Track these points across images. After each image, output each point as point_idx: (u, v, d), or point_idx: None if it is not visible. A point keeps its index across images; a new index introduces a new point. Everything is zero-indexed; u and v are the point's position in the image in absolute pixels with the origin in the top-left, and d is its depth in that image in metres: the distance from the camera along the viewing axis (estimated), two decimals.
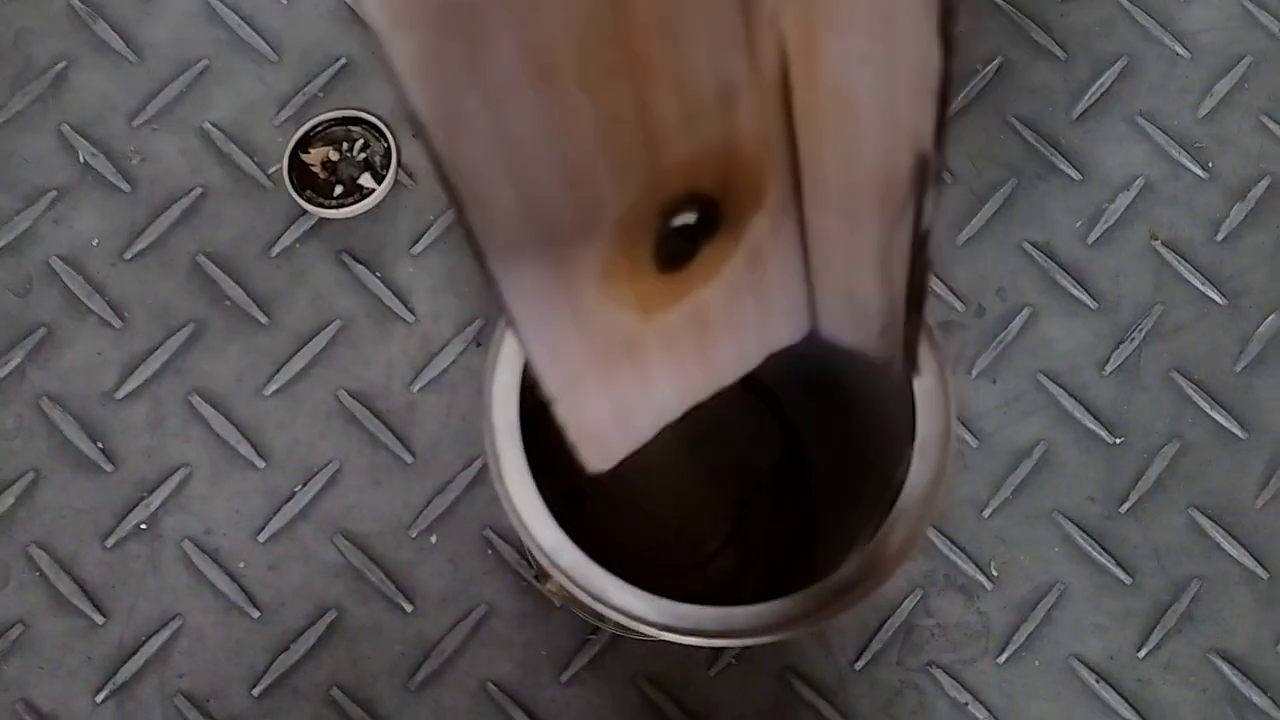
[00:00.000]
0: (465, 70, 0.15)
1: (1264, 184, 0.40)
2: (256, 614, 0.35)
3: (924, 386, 0.24)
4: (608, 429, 0.23)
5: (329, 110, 0.39)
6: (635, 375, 0.22)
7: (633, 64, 0.17)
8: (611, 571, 0.22)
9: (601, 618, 0.34)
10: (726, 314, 0.23)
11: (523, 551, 0.36)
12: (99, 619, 0.35)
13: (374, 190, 0.38)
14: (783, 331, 0.25)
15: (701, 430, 0.37)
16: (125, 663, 0.34)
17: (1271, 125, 0.41)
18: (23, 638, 0.34)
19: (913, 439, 0.24)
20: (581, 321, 0.20)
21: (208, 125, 0.38)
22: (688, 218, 0.19)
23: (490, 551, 0.36)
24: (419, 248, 0.38)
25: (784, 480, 0.37)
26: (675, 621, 0.22)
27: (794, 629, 0.22)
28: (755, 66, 0.18)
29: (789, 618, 0.22)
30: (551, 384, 0.21)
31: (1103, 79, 0.41)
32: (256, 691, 0.34)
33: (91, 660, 0.34)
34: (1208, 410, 0.38)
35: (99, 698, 0.34)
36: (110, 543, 0.35)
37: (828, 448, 0.34)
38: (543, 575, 0.34)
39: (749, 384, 0.37)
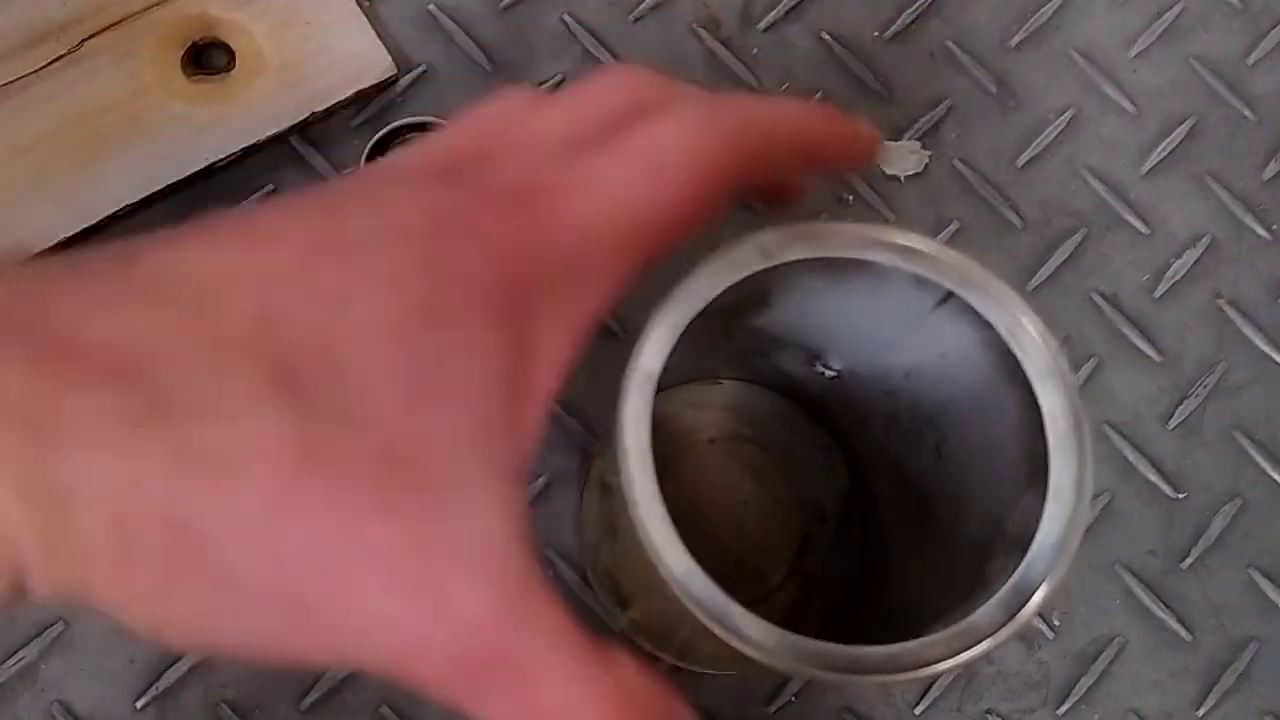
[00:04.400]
0: None
1: None
2: None
3: (1058, 429, 0.24)
4: None
5: (406, 116, 0.38)
6: None
7: None
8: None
9: (681, 655, 0.33)
10: None
11: (585, 576, 0.35)
12: None
13: None
14: None
15: (767, 460, 0.36)
16: (169, 669, 0.33)
17: None
18: (63, 636, 0.33)
19: (1033, 483, 0.24)
20: None
21: None
22: None
23: (550, 574, 0.35)
24: None
25: (848, 515, 0.36)
26: (807, 659, 0.22)
27: (934, 668, 0.22)
28: None
29: (930, 658, 0.22)
30: None
31: (1171, 136, 0.41)
32: (304, 705, 0.33)
33: (134, 663, 0.33)
34: (1268, 470, 0.38)
35: (139, 703, 0.33)
36: None
37: (901, 485, 0.33)
38: (624, 603, 0.33)
39: (821, 417, 0.37)
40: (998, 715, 0.36)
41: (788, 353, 0.33)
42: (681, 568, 0.22)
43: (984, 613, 0.22)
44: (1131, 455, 0.38)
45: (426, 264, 0.17)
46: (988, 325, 0.24)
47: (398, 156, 0.20)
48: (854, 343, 0.30)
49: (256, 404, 0.15)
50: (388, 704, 0.33)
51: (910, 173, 0.40)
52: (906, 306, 0.26)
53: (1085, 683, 0.36)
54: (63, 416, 0.15)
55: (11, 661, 0.33)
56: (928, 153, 0.40)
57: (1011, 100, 0.41)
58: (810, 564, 0.36)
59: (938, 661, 0.22)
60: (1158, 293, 0.40)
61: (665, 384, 0.36)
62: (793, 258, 0.24)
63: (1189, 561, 0.37)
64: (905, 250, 0.24)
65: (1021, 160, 0.40)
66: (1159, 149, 0.41)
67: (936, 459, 0.30)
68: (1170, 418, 0.38)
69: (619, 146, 0.19)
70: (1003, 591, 0.22)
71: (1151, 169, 0.41)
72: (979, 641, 0.22)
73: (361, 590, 0.16)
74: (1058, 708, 0.36)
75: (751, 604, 0.36)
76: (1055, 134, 0.41)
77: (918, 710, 0.35)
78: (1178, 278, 0.40)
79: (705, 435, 0.36)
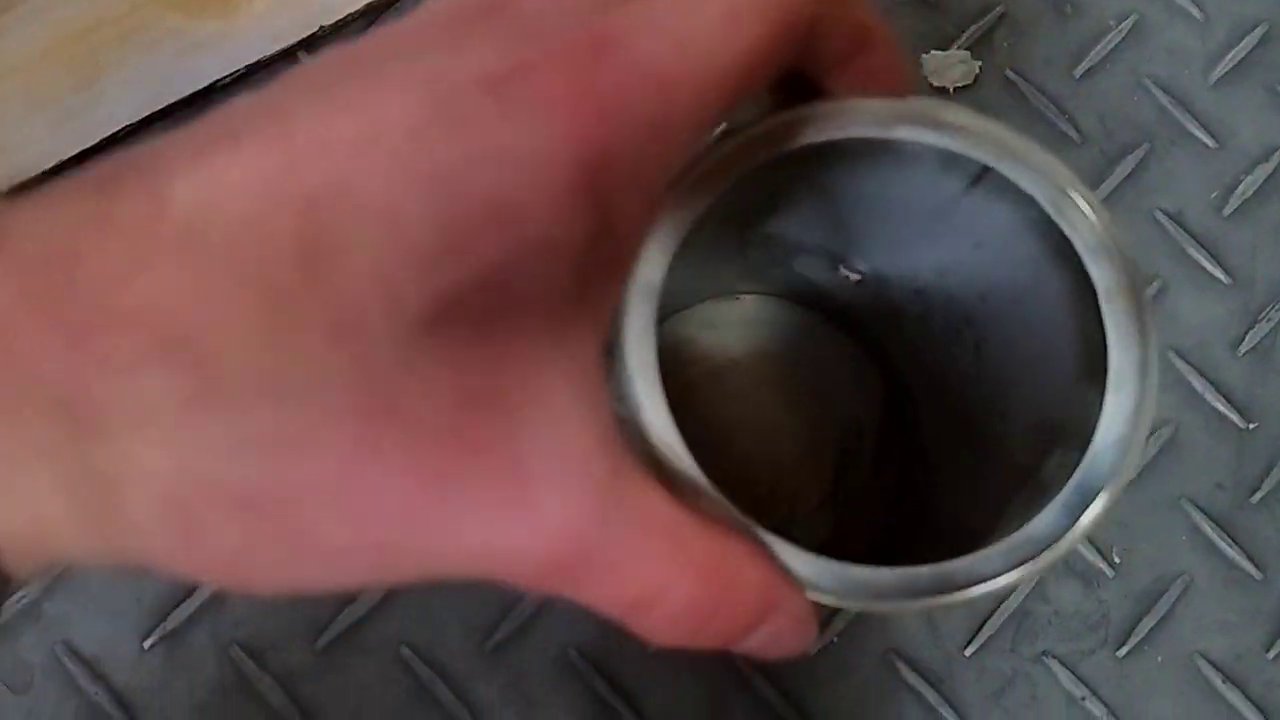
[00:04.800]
0: None
1: None
2: None
3: (1116, 310, 0.21)
4: None
5: None
6: None
7: None
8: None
9: None
10: None
11: None
12: None
13: None
14: None
15: (798, 378, 0.34)
16: (177, 607, 0.31)
17: None
18: (66, 574, 0.32)
19: (1090, 374, 0.22)
20: None
21: None
22: None
23: None
24: None
25: (887, 429, 0.34)
26: (848, 587, 0.19)
27: (992, 584, 0.19)
28: None
29: (986, 573, 0.19)
30: None
31: (1242, 42, 0.38)
32: (319, 645, 0.32)
33: (141, 602, 0.31)
34: None
35: (147, 643, 0.31)
36: None
37: (942, 392, 0.31)
38: None
39: (850, 326, 0.34)
40: (1054, 657, 0.33)
41: (808, 259, 0.30)
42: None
43: (1044, 520, 0.20)
44: (1198, 383, 0.35)
45: (487, 154, 0.14)
46: (1030, 202, 0.21)
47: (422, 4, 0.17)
48: (879, 240, 0.27)
49: (314, 367, 0.14)
50: (407, 644, 0.32)
51: (959, 84, 0.37)
52: (935, 191, 0.23)
53: (1147, 623, 0.34)
54: (106, 401, 0.14)
55: (13, 600, 0.31)
56: (978, 63, 0.37)
57: (1068, 5, 0.38)
58: (850, 484, 0.34)
59: (995, 577, 0.19)
60: (1226, 211, 0.37)
61: (679, 305, 0.34)
62: (807, 142, 0.21)
63: (1259, 495, 0.35)
64: (934, 123, 0.21)
65: (1079, 70, 0.37)
66: (1228, 57, 0.38)
67: (977, 359, 0.28)
68: (1240, 343, 0.36)
69: None
70: (1064, 494, 0.20)
71: (1220, 79, 0.38)
72: (1040, 552, 0.20)
73: (449, 526, 0.15)
74: (1118, 649, 0.34)
75: (788, 530, 0.34)
76: (1116, 41, 0.38)
77: (968, 652, 0.33)
78: (1248, 194, 0.37)
79: (727, 356, 0.34)
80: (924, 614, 0.33)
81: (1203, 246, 0.37)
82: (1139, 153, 0.37)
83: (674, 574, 0.17)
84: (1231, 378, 0.36)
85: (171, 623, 0.31)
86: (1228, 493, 0.35)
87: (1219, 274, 0.36)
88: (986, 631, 0.33)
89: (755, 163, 0.21)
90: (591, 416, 0.16)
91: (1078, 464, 0.20)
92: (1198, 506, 0.35)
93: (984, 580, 0.19)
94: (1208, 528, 0.34)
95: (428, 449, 0.15)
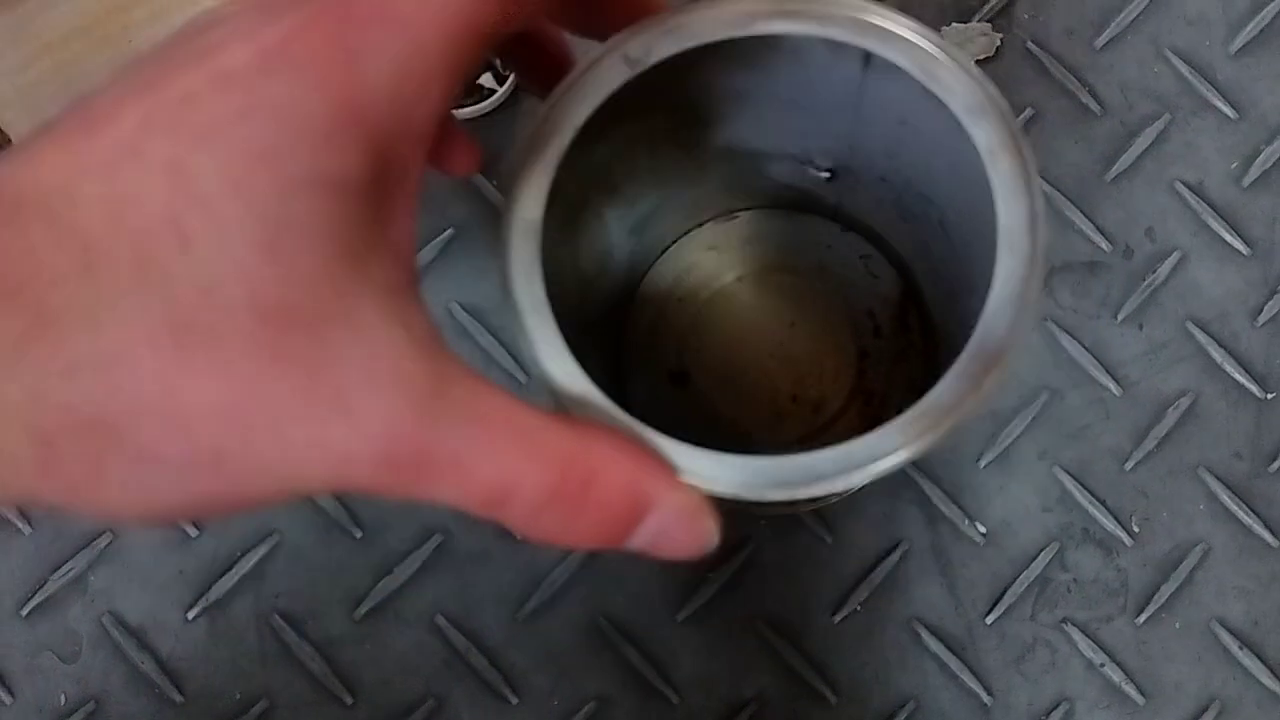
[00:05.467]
0: None
1: None
2: (359, 534, 0.33)
3: (1000, 168, 0.21)
4: None
5: None
6: None
7: None
8: (726, 449, 0.20)
9: None
10: None
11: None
12: (193, 531, 0.33)
13: (495, 91, 0.36)
14: None
15: (804, 284, 0.34)
16: (219, 578, 0.32)
17: None
18: (111, 547, 0.32)
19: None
20: None
21: None
22: None
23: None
24: None
25: (903, 323, 0.34)
26: (751, 480, 0.20)
27: (893, 459, 0.19)
28: None
29: (886, 449, 0.19)
30: None
31: (1264, 11, 0.38)
32: (357, 615, 0.32)
33: (183, 574, 0.32)
34: None
35: (190, 614, 0.32)
36: None
37: (934, 278, 0.31)
38: None
39: (847, 221, 0.34)
40: (1074, 624, 0.34)
41: (778, 164, 0.30)
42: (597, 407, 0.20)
43: (943, 388, 0.20)
44: (1217, 354, 0.36)
45: (254, 108, 0.17)
46: (908, 75, 0.21)
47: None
48: (819, 133, 0.28)
49: (125, 298, 0.16)
50: (442, 613, 0.33)
51: (980, 56, 0.37)
52: (837, 76, 0.23)
53: (1166, 590, 0.34)
54: None
55: (60, 572, 0.32)
56: (998, 34, 0.37)
57: None
58: (872, 381, 0.34)
59: (896, 451, 0.19)
60: (1246, 181, 0.37)
61: (669, 236, 0.34)
62: (662, 56, 0.21)
63: (1277, 464, 0.35)
64: (791, 14, 0.21)
65: (1100, 41, 0.38)
66: (1249, 26, 0.38)
67: (945, 236, 0.28)
68: (1259, 314, 0.36)
69: None
70: (961, 361, 0.20)
71: (1241, 48, 0.38)
72: (942, 421, 0.19)
73: (274, 431, 0.17)
74: (1137, 616, 0.34)
75: (815, 435, 0.34)
76: (1136, 11, 0.38)
77: (989, 619, 0.34)
78: (1268, 165, 0.37)
79: (732, 275, 0.35)
80: (833, 502, 0.33)
81: (1222, 217, 0.37)
82: (1159, 124, 0.37)
83: (522, 466, 0.18)
84: (1250, 348, 0.36)
85: (214, 594, 0.32)
86: (1246, 462, 0.35)
87: (1238, 245, 0.37)
88: (1007, 599, 0.34)
89: (614, 85, 0.21)
90: (403, 329, 0.18)
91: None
92: (1216, 475, 0.35)
93: (886, 455, 0.19)
94: (1225, 496, 0.35)
95: (235, 360, 0.17)
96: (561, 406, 0.20)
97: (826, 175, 0.30)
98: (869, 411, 0.34)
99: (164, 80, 0.17)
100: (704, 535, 0.20)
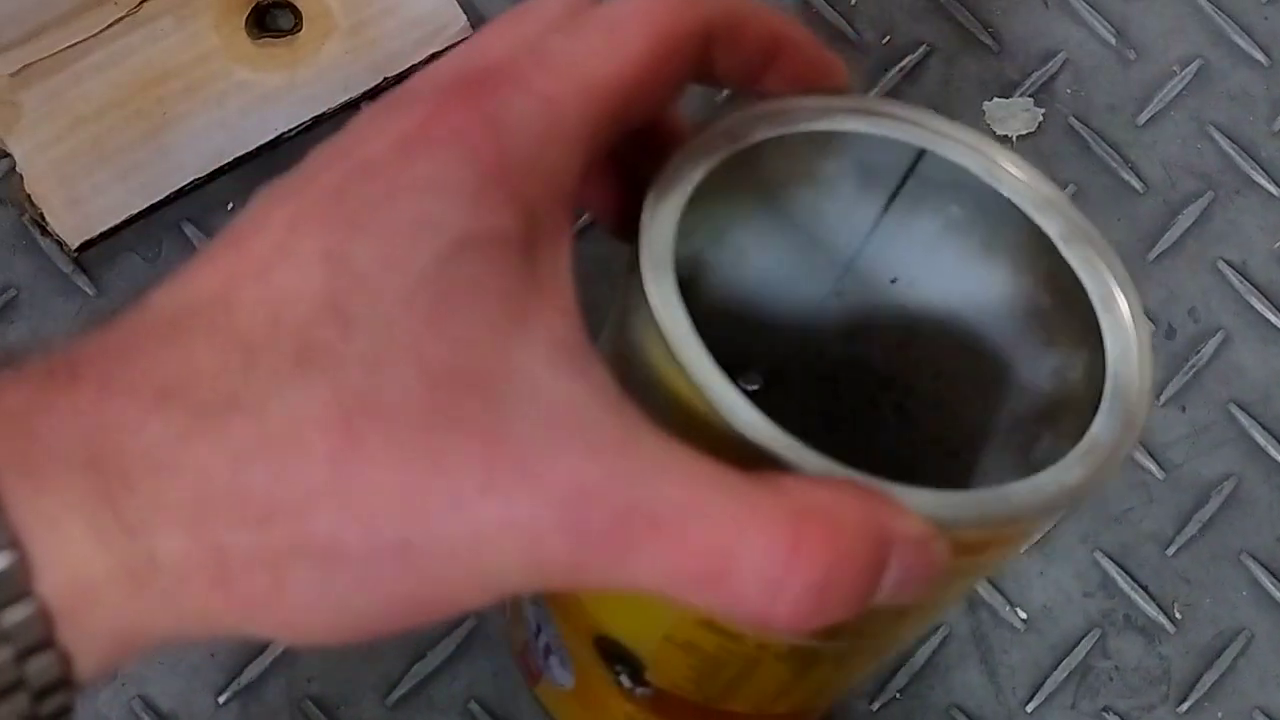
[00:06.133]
0: None
1: None
2: None
3: (1074, 249, 0.21)
4: None
5: None
6: None
7: None
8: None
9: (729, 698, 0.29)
10: None
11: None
12: None
13: None
14: None
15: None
16: (251, 662, 0.32)
17: None
18: None
19: (1052, 338, 0.23)
20: None
21: None
22: None
23: None
24: None
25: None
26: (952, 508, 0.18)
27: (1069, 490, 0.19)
28: None
29: (1064, 482, 0.19)
30: None
31: None
32: (390, 701, 0.32)
33: (215, 658, 0.32)
34: None
35: (222, 698, 0.32)
36: None
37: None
38: (635, 669, 0.31)
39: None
40: (1115, 713, 0.34)
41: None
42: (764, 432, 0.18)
43: (1100, 425, 0.20)
44: (1261, 437, 0.35)
45: (401, 188, 0.17)
46: (965, 173, 0.22)
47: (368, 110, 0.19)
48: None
49: (289, 385, 0.16)
50: (476, 699, 0.32)
51: (1022, 132, 0.37)
52: (858, 207, 0.24)
53: (1209, 678, 0.34)
54: (123, 456, 0.15)
55: None
56: (1040, 110, 0.37)
57: (1132, 51, 0.38)
58: None
59: (1078, 482, 0.19)
60: None
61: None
62: (761, 137, 0.22)
63: None
64: (867, 112, 0.22)
65: (1143, 118, 0.37)
66: None
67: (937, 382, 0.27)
68: None
69: (576, 21, 0.19)
70: (1106, 402, 0.20)
71: None
72: (1109, 455, 0.20)
73: (458, 510, 0.16)
74: (1179, 705, 0.34)
75: None
76: (1179, 88, 0.38)
77: (1030, 708, 0.33)
78: None
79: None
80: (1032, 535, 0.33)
81: (1265, 297, 0.36)
82: (1202, 201, 0.37)
83: (743, 527, 0.15)
84: None
85: (245, 678, 0.32)
86: None
87: None
88: (1048, 687, 0.34)
89: (719, 156, 0.21)
90: (580, 381, 0.17)
91: (1101, 391, 0.20)
92: (1259, 561, 0.35)
93: (1068, 487, 0.19)
94: (1269, 582, 0.35)
95: (409, 435, 0.16)
96: (742, 454, 0.18)
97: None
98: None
99: (306, 183, 0.17)
100: (938, 560, 0.17)
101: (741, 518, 0.15)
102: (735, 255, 0.26)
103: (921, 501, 0.18)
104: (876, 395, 0.27)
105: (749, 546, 0.15)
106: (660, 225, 0.20)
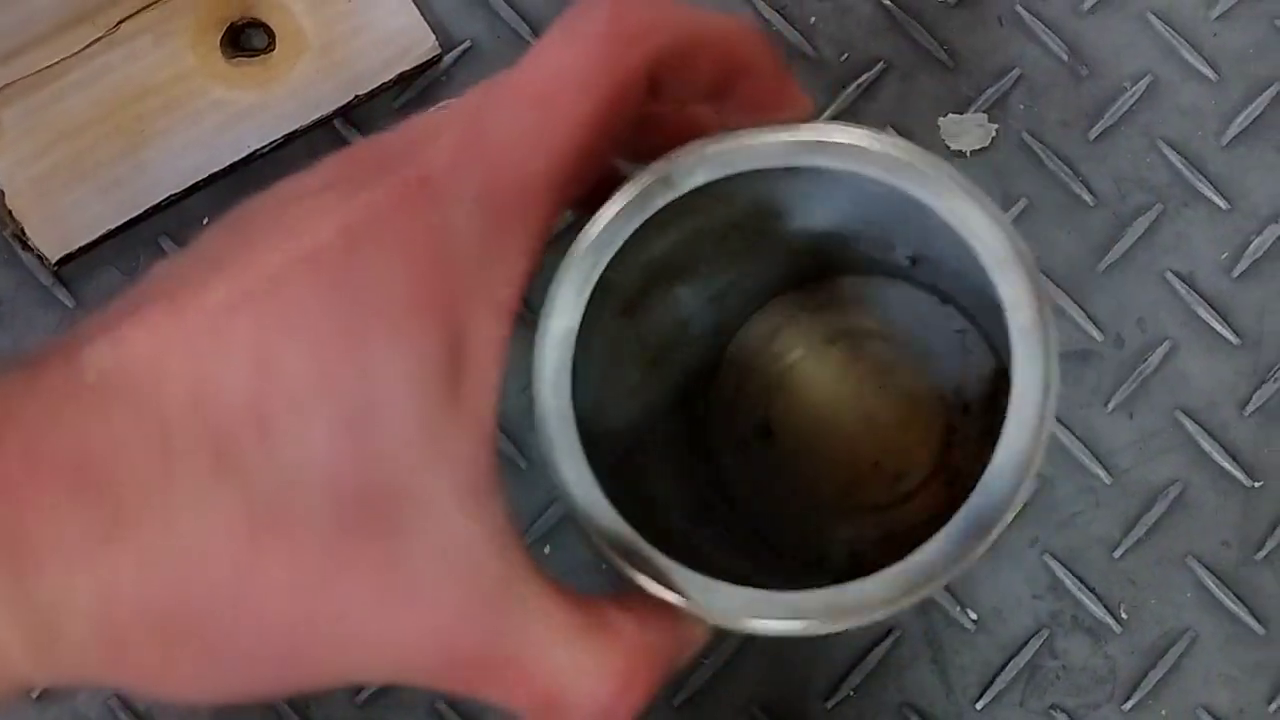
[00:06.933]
0: None
1: None
2: None
3: (1020, 322, 0.21)
4: None
5: (452, 94, 0.37)
6: None
7: None
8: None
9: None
10: None
11: None
12: None
13: None
14: None
15: (895, 353, 0.35)
16: None
17: None
18: None
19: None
20: None
21: None
22: None
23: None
24: None
25: (994, 402, 0.34)
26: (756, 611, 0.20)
27: (876, 614, 0.20)
28: None
29: (870, 601, 0.20)
30: None
31: (1255, 102, 0.39)
32: (359, 700, 0.33)
33: None
34: None
35: None
36: None
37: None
38: None
39: (943, 295, 0.34)
40: (1063, 710, 0.35)
41: (856, 244, 0.30)
42: (606, 521, 0.20)
43: (932, 550, 0.20)
44: (1206, 443, 0.37)
45: (339, 287, 0.17)
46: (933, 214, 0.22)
47: (312, 168, 0.19)
48: (884, 229, 0.28)
49: (205, 493, 0.16)
50: (443, 698, 0.33)
51: (976, 147, 0.38)
52: (875, 193, 0.23)
53: (1154, 677, 0.35)
54: (37, 541, 0.16)
55: None
56: (994, 126, 0.38)
57: (1084, 68, 0.39)
58: (956, 458, 0.34)
59: (877, 608, 0.20)
60: (1236, 272, 0.38)
61: (755, 301, 0.34)
62: (699, 183, 0.21)
63: (1264, 553, 0.36)
64: (827, 152, 0.21)
65: (1094, 133, 0.38)
66: (1240, 117, 0.39)
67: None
68: (1247, 403, 0.37)
69: (504, 84, 0.18)
70: (955, 523, 0.20)
71: (1233, 139, 0.39)
72: (926, 583, 0.20)
73: (342, 623, 0.17)
74: (1124, 703, 0.35)
75: (892, 505, 0.34)
76: (1130, 103, 0.39)
77: (979, 705, 0.35)
78: (1258, 255, 0.38)
79: (821, 336, 0.35)
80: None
81: (1212, 307, 0.37)
82: (1151, 214, 0.38)
83: (582, 668, 0.18)
84: (1238, 437, 0.37)
85: None
86: (1233, 550, 0.36)
87: (1228, 334, 0.37)
88: (998, 686, 0.35)
89: (654, 206, 0.21)
90: (476, 520, 0.18)
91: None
92: (1203, 563, 0.36)
93: (873, 607, 0.20)
94: (1213, 584, 0.36)
95: (309, 553, 0.17)
96: (574, 518, 0.21)
97: (908, 262, 0.31)
98: (949, 491, 0.34)
99: (250, 258, 0.17)
100: (693, 649, 0.21)
101: (580, 660, 0.18)
102: (671, 300, 0.27)
103: (700, 595, 0.20)
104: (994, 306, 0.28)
105: (579, 691, 0.18)
106: (563, 304, 0.21)
